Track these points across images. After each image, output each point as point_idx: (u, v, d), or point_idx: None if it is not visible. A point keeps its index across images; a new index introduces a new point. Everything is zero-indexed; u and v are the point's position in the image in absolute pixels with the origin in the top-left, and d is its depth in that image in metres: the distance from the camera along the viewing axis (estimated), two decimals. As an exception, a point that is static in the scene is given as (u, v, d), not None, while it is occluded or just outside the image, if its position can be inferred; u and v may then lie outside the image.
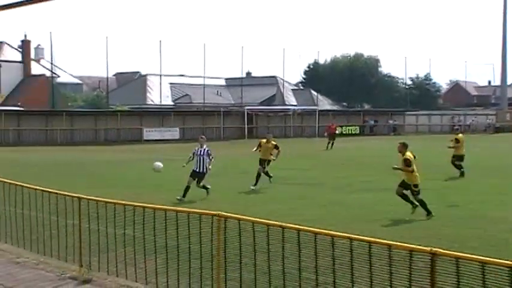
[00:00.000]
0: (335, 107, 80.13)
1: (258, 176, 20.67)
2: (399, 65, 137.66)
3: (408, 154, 15.28)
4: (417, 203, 15.09)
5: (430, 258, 6.08)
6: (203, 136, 19.47)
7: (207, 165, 18.13)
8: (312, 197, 18.55)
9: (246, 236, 7.77)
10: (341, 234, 6.95)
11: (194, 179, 18.01)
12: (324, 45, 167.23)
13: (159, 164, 18.64)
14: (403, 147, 15.42)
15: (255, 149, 22.05)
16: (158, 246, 8.82)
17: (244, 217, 7.98)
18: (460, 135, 25.32)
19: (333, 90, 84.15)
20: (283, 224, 7.44)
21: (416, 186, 15.15)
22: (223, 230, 7.90)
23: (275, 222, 7.62)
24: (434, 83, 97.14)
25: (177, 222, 8.60)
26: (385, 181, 19.62)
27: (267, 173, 21.42)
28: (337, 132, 46.10)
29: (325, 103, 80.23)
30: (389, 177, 19.05)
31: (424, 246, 6.37)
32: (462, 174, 23.63)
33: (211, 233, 8.05)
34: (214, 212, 8.14)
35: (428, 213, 14.76)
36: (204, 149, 18.21)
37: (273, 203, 16.99)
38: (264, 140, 21.76)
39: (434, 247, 6.17)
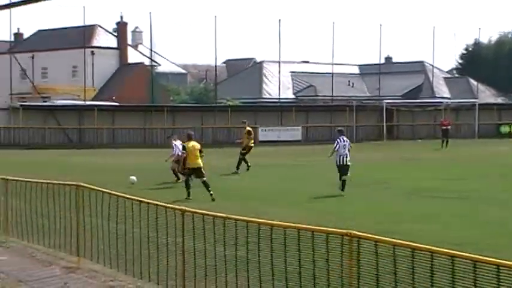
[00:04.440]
0: (499, 100, 77.46)
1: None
2: None
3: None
4: None
5: None
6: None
7: None
8: (470, 214, 18.10)
9: (384, 261, 7.66)
10: (507, 263, 6.72)
11: None
12: (487, 21, 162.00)
13: (133, 178, 23.72)
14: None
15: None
16: (276, 270, 8.85)
17: (382, 238, 7.87)
18: None
19: (497, 78, 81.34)
20: (433, 248, 7.28)
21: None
22: (355, 253, 7.84)
23: (422, 246, 7.47)
24: None
25: (298, 243, 8.60)
26: None
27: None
28: (449, 128, 47.21)
29: (487, 94, 77.77)
30: None
31: None
32: None
33: (341, 256, 8.01)
34: (344, 231, 8.07)
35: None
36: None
37: (422, 222, 16.70)
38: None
39: None
